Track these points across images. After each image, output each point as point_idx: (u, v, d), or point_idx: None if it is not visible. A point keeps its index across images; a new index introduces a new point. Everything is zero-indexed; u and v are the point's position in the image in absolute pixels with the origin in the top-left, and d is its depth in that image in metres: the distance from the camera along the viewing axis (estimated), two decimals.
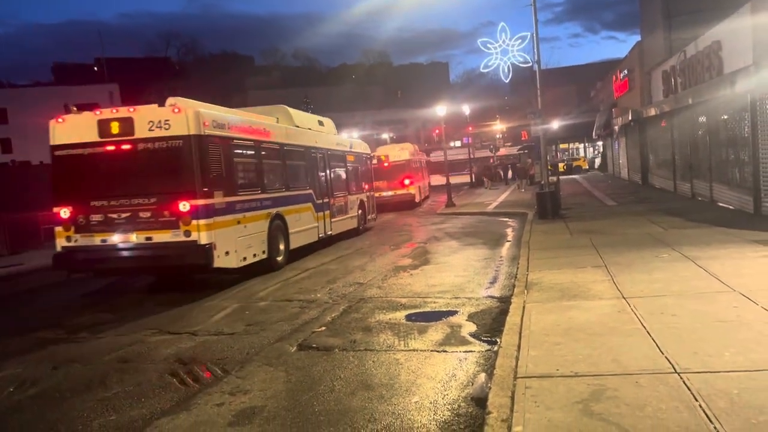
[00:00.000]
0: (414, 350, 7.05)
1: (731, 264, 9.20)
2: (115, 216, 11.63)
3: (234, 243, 12.25)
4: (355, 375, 6.37)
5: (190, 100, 12.75)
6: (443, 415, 5.16)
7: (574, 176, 45.71)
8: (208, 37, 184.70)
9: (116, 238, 11.67)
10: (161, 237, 11.41)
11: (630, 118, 27.70)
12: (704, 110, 18.01)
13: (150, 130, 11.53)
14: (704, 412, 4.30)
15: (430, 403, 5.46)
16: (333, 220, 18.37)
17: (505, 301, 8.84)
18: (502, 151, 59.52)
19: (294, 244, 15.25)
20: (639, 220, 15.69)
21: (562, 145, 57.85)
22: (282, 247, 14.56)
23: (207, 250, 11.30)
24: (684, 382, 4.85)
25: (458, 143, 78.76)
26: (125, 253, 11.68)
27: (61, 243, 12.09)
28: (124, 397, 6.33)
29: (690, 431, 4.04)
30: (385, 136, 64.51)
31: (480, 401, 5.20)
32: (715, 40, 16.11)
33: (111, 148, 11.73)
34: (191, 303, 11.28)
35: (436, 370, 6.29)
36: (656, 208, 18.08)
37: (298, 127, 17.27)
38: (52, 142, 12.37)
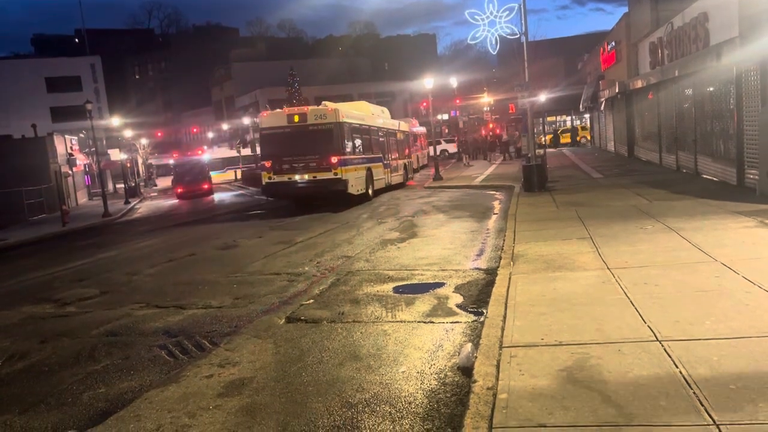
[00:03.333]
0: (401, 321, 7.12)
1: (714, 235, 9.33)
2: (295, 165, 20.87)
3: (354, 181, 21.57)
4: (343, 346, 6.43)
5: (334, 103, 22.71)
6: (430, 384, 5.24)
7: (561, 149, 45.83)
8: (191, 8, 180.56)
9: (296, 177, 20.99)
10: (321, 176, 20.63)
11: (617, 90, 27.70)
12: (690, 82, 18.06)
13: (315, 119, 20.76)
14: (684, 378, 4.40)
15: (418, 372, 5.54)
16: (391, 175, 27.49)
17: (491, 273, 8.92)
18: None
19: (376, 187, 24.39)
20: (624, 193, 15.82)
21: (549, 118, 57.77)
22: (370, 186, 23.56)
23: (346, 182, 20.69)
24: (665, 350, 4.96)
25: (446, 116, 78.48)
26: (301, 185, 21.05)
27: (265, 180, 21.53)
28: (113, 370, 6.36)
29: (670, 396, 4.14)
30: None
31: (466, 370, 5.28)
32: (701, 12, 16.08)
33: (293, 129, 20.95)
34: (178, 277, 11.29)
35: (423, 341, 6.37)
36: (641, 181, 18.21)
37: (372, 114, 26.69)
38: (261, 126, 21.90)
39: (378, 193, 24.62)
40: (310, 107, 21.67)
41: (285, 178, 21.02)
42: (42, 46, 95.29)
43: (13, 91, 61.24)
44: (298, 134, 20.81)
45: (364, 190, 22.70)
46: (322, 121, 20.67)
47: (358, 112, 24.53)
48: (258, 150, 27.58)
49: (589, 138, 49.89)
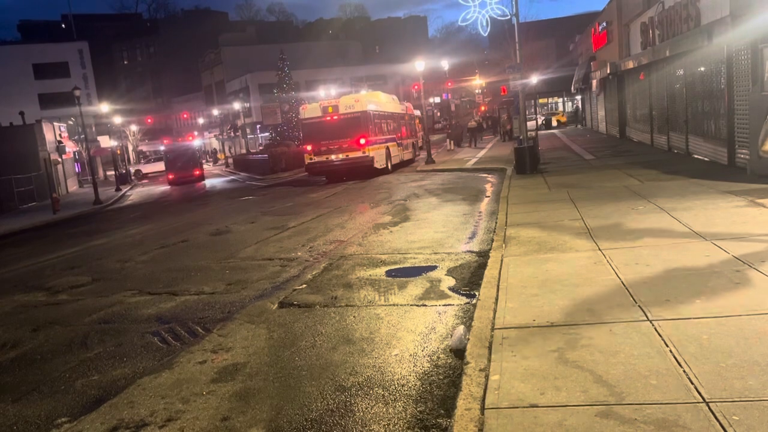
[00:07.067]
0: (394, 305, 7.13)
1: (704, 214, 9.37)
2: (331, 147, 25.05)
3: (378, 157, 25.75)
4: (336, 330, 6.44)
5: (360, 94, 31.32)
6: (423, 367, 5.26)
7: (552, 131, 45.81)
8: None
9: (332, 157, 25.16)
10: (353, 155, 24.86)
11: (608, 71, 27.61)
12: (681, 63, 18.01)
13: (346, 109, 25.06)
14: (674, 357, 4.44)
15: (410, 355, 5.56)
16: (403, 152, 31.49)
17: (483, 255, 8.93)
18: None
19: (393, 162, 28.33)
20: (616, 174, 15.84)
21: (541, 100, 57.67)
22: (389, 161, 27.57)
23: (372, 159, 24.98)
24: (656, 329, 4.99)
25: (438, 99, 78.19)
26: (336, 163, 25.27)
27: (307, 161, 26.06)
28: (105, 357, 6.35)
29: (660, 375, 4.18)
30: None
31: (459, 352, 5.30)
32: None
33: (328, 118, 25.23)
34: (170, 264, 11.26)
35: (415, 324, 6.39)
36: (633, 161, 18.23)
37: (386, 102, 30.34)
38: (301, 118, 26.64)
39: (395, 167, 28.55)
40: (341, 99, 26.65)
41: (323, 158, 25.34)
42: (29, 32, 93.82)
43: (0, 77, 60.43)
44: (332, 122, 25.15)
45: (385, 165, 26.90)
46: (351, 110, 24.92)
47: (376, 99, 28.49)
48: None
49: (563, 120, 52.12)
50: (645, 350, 4.61)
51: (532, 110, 44.09)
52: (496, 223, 11.15)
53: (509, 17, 19.41)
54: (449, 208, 14.60)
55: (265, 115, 67.28)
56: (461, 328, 5.72)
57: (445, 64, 54.92)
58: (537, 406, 3.97)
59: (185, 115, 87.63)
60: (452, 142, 38.50)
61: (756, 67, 12.70)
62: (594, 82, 35.17)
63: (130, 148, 73.35)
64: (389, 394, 4.81)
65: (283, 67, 56.38)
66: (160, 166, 56.48)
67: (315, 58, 71.32)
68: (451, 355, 5.43)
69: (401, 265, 9.12)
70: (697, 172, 14.23)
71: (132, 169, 53.84)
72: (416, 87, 52.18)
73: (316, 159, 25.45)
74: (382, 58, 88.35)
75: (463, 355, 5.07)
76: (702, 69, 16.48)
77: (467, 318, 6.25)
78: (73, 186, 46.98)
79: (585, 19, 55.50)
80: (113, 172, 44.81)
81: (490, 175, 21.44)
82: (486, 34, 21.20)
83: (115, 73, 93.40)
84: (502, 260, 7.95)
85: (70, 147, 46.80)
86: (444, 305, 6.93)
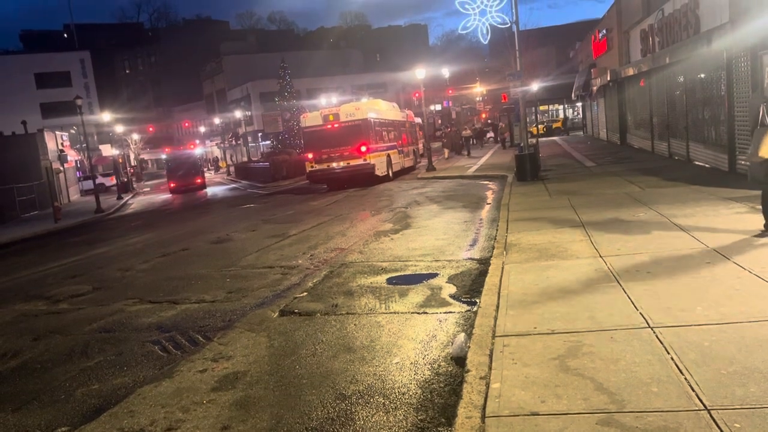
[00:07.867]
0: (395, 313, 7.12)
1: (705, 221, 9.36)
2: (332, 155, 25.15)
3: (379, 165, 25.80)
4: (336, 338, 6.43)
5: (360, 102, 31.29)
6: (424, 375, 5.25)
7: (553, 138, 45.82)
8: (180, 1, 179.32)
9: (334, 165, 25.23)
10: (354, 162, 24.97)
11: (608, 78, 27.67)
12: (681, 69, 18.05)
13: (346, 117, 25.23)
14: (675, 364, 4.42)
15: (411, 363, 5.54)
16: (404, 159, 31.35)
17: (484, 263, 8.92)
18: None
19: (394, 169, 28.26)
20: (617, 180, 15.84)
21: (542, 107, 57.66)
22: (390, 169, 27.52)
23: (373, 166, 25.06)
24: (657, 337, 4.98)
25: (438, 107, 78.37)
26: (338, 171, 25.30)
27: (308, 169, 26.13)
28: (106, 366, 6.34)
29: (661, 382, 4.16)
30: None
31: (459, 360, 5.29)
32: None
33: (329, 126, 25.37)
34: (171, 272, 11.26)
35: (416, 332, 6.37)
36: (634, 168, 18.23)
37: (386, 109, 30.38)
38: (302, 125, 26.96)
39: (396, 175, 28.53)
40: (342, 107, 26.80)
41: (324, 166, 25.44)
42: (31, 41, 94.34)
43: (2, 87, 60.67)
44: (333, 130, 25.23)
45: (386, 172, 26.93)
46: (351, 118, 25.08)
47: (377, 107, 28.57)
48: None
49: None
50: (646, 357, 4.60)
51: (533, 117, 44.14)
52: (496, 230, 11.14)
53: (509, 25, 19.46)
54: (450, 215, 14.59)
55: (267, 124, 67.42)
56: (462, 336, 5.70)
57: (445, 71, 55.13)
58: (538, 414, 3.96)
59: (187, 124, 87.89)
60: (448, 150, 38.45)
61: (756, 73, 12.72)
62: (594, 89, 35.23)
63: (132, 156, 73.49)
64: (390, 402, 4.79)
65: (284, 75, 56.55)
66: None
67: (316, 67, 71.55)
68: (451, 362, 5.41)
69: (402, 273, 9.11)
70: (697, 178, 14.23)
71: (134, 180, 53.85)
72: (417, 95, 52.29)
73: (317, 167, 25.58)
74: (383, 67, 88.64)
75: (463, 362, 5.05)
76: (702, 75, 16.51)
77: (468, 326, 6.24)
78: (74, 195, 47.06)
79: (585, 26, 55.70)
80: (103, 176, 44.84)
81: (490, 183, 21.45)
82: (486, 42, 21.33)
83: (117, 82, 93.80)
84: (503, 267, 7.94)
85: (72, 156, 46.94)
86: (445, 313, 6.92)
